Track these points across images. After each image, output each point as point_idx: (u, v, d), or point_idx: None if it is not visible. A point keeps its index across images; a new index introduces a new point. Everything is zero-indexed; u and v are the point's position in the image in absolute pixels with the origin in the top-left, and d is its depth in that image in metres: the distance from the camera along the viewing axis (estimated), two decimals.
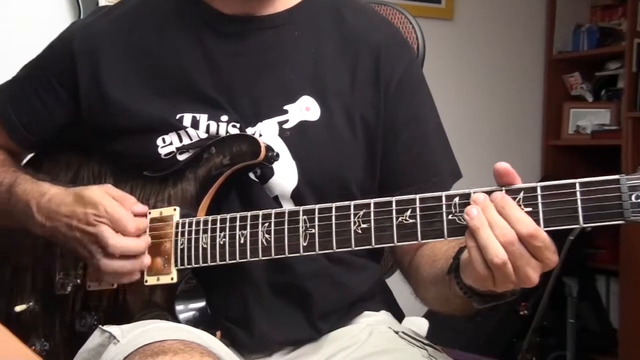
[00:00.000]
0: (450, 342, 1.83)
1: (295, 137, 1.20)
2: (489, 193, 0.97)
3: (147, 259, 1.17)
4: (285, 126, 1.21)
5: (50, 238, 1.24)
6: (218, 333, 1.17)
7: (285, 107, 1.22)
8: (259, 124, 1.21)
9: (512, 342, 3.30)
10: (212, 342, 1.08)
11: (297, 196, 1.20)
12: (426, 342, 1.22)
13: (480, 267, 0.95)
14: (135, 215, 1.18)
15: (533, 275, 0.95)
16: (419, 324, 1.45)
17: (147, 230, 1.19)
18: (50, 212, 1.21)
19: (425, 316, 1.51)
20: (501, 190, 0.96)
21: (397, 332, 1.22)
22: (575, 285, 3.25)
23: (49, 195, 1.22)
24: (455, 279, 1.04)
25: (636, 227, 3.32)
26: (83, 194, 1.19)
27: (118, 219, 1.16)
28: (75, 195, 1.20)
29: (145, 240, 1.18)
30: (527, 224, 0.94)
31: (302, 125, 1.21)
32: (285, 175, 1.20)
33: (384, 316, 1.28)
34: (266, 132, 1.20)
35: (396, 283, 1.34)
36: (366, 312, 1.27)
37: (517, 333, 3.26)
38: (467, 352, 2.58)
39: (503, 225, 0.94)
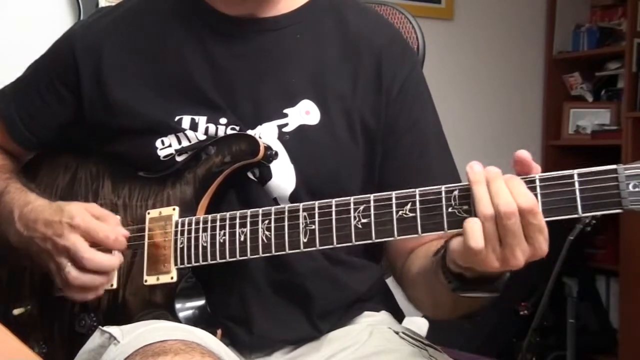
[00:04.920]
0: (450, 342, 1.83)
1: (294, 140, 1.20)
2: None
3: (114, 278, 1.19)
4: (285, 130, 1.21)
5: (25, 249, 1.23)
6: (218, 332, 1.17)
7: (285, 111, 1.21)
8: (259, 127, 1.21)
9: (512, 342, 3.30)
10: (212, 342, 1.08)
11: (295, 199, 1.19)
12: (426, 342, 1.22)
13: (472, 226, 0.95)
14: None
15: (520, 256, 0.95)
16: (419, 324, 1.45)
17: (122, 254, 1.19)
18: (28, 222, 1.21)
19: (425, 316, 1.51)
20: None
21: (397, 333, 1.22)
22: (575, 285, 3.25)
23: (32, 205, 1.22)
24: (441, 262, 1.04)
25: (636, 227, 3.33)
26: (63, 207, 1.19)
27: (95, 228, 1.16)
28: (57, 206, 1.20)
29: (119, 258, 1.18)
30: (529, 199, 0.94)
31: (302, 129, 1.21)
32: (283, 179, 1.20)
33: (384, 316, 1.28)
34: (265, 135, 1.20)
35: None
36: (366, 312, 1.26)
37: (517, 333, 3.26)
38: (467, 352, 2.58)
39: (507, 196, 0.94)
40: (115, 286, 1.21)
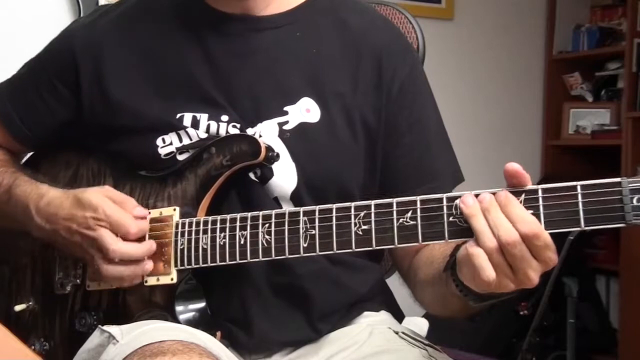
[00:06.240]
0: (450, 342, 1.83)
1: (294, 138, 1.20)
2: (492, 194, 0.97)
3: (149, 264, 1.16)
4: (285, 127, 1.21)
5: (49, 241, 1.23)
6: (218, 333, 1.17)
7: (286, 108, 1.21)
8: (259, 125, 1.21)
9: (512, 342, 3.30)
10: (211, 342, 1.08)
11: (296, 198, 1.20)
12: (426, 342, 1.22)
13: (483, 262, 0.94)
14: (136, 218, 1.17)
15: (534, 276, 0.95)
16: (419, 324, 1.44)
17: (148, 234, 1.18)
18: (49, 216, 1.20)
19: (425, 316, 1.51)
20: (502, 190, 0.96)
21: (397, 333, 1.22)
22: (575, 285, 3.25)
23: (48, 197, 1.22)
24: (452, 277, 1.03)
25: (636, 227, 3.32)
26: (82, 197, 1.18)
27: (118, 222, 1.15)
28: (74, 198, 1.19)
29: (147, 246, 1.16)
30: (529, 223, 0.93)
31: (302, 127, 1.21)
32: (284, 177, 1.20)
33: (384, 316, 1.28)
34: (266, 132, 1.20)
35: (396, 283, 1.34)
36: (366, 313, 1.26)
37: (517, 333, 3.26)
38: (467, 352, 2.58)
39: (507, 227, 0.94)
40: (114, 286, 1.20)
